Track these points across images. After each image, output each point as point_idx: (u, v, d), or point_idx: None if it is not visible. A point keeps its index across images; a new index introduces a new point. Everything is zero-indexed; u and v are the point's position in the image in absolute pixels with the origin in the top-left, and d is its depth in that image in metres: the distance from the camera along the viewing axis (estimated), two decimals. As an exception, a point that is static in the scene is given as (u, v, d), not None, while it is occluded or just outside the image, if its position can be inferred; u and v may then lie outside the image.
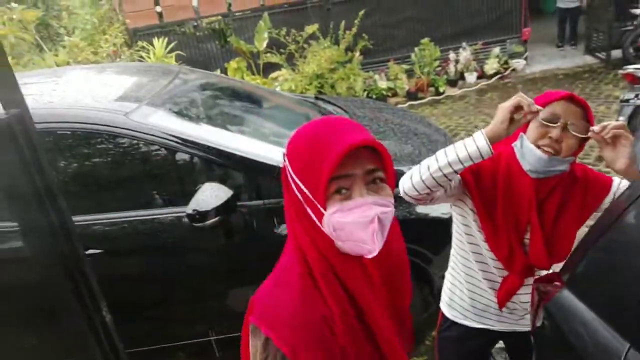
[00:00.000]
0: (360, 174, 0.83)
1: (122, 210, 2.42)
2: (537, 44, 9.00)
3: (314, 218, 0.86)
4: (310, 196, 0.85)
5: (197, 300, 2.55)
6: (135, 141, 2.39)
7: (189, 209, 2.21)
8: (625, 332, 0.90)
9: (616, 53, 7.41)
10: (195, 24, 7.66)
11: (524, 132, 1.39)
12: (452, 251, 1.73)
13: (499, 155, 1.47)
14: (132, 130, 2.36)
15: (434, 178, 1.32)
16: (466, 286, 1.64)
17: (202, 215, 2.20)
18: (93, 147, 2.44)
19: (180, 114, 2.69)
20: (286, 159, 0.89)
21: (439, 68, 7.82)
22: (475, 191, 1.47)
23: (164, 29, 7.50)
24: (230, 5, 7.61)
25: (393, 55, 7.94)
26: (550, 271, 1.45)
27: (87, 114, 2.37)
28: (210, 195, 2.25)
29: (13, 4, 6.42)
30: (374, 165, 0.84)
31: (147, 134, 2.36)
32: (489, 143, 1.26)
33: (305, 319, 0.84)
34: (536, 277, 1.49)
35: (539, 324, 1.28)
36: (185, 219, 2.25)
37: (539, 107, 1.27)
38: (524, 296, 1.52)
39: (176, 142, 2.38)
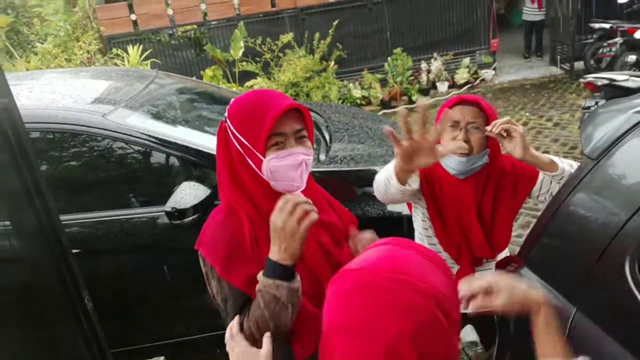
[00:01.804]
0: (291, 132, 1.10)
1: (99, 210, 2.44)
2: (505, 55, 9.33)
3: (253, 166, 1.10)
4: (252, 147, 1.08)
5: (175, 299, 2.57)
6: (113, 141, 2.43)
7: (168, 206, 2.25)
8: (573, 298, 1.00)
9: (579, 64, 7.75)
10: (171, 32, 7.68)
11: (439, 141, 1.47)
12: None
13: (429, 170, 1.63)
14: (110, 130, 2.39)
15: (393, 193, 1.44)
16: None
17: (180, 213, 2.25)
18: (70, 147, 2.46)
19: (157, 115, 2.73)
20: (228, 120, 1.12)
21: (412, 77, 8.02)
22: (427, 195, 1.63)
23: (139, 37, 7.49)
24: (206, 14, 7.66)
25: (367, 65, 8.11)
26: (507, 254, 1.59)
27: (64, 115, 2.40)
28: (189, 193, 2.30)
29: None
30: (300, 126, 1.12)
31: (125, 134, 2.40)
32: (398, 185, 1.36)
33: (222, 236, 1.13)
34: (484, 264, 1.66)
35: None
36: (163, 218, 2.29)
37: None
38: None
39: (154, 142, 2.42)
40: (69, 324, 1.37)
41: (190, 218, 2.27)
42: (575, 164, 1.48)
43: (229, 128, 1.12)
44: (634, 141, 1.04)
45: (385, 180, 1.44)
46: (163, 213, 2.29)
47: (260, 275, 1.06)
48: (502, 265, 1.37)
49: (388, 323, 0.65)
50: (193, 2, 7.58)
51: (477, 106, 1.49)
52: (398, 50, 7.92)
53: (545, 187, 1.59)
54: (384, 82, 7.96)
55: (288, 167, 1.10)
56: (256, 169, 1.11)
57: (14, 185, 1.18)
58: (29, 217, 1.20)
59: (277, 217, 1.02)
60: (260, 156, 1.09)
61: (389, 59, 7.97)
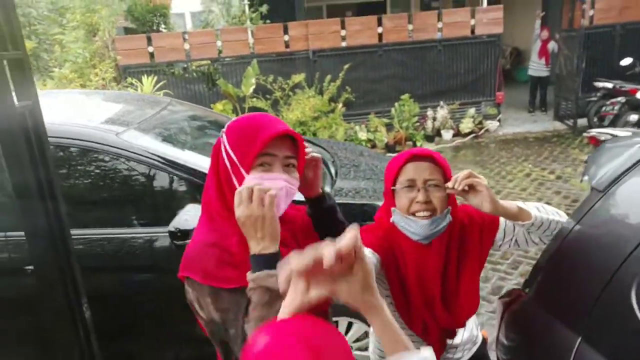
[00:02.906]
0: (281, 157, 1.10)
1: (101, 227, 2.46)
2: (510, 108, 9.51)
3: (235, 182, 1.09)
4: (238, 163, 1.08)
5: (169, 322, 2.54)
6: (125, 160, 2.47)
7: (171, 226, 2.26)
8: (577, 328, 1.00)
9: (582, 121, 7.88)
10: (185, 65, 7.89)
11: (394, 205, 1.37)
12: None
13: (387, 239, 1.44)
14: (122, 149, 2.44)
15: None
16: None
17: (183, 234, 2.25)
18: (81, 163, 2.51)
19: (168, 139, 2.78)
20: (225, 135, 1.13)
21: (417, 124, 8.16)
22: (390, 269, 1.44)
23: (154, 68, 7.70)
24: (221, 51, 7.90)
25: (374, 109, 8.27)
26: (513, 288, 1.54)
27: (78, 130, 2.45)
28: (193, 215, 2.31)
29: None
30: (291, 153, 1.12)
31: (136, 153, 2.45)
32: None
33: (205, 249, 1.10)
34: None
35: (501, 336, 1.36)
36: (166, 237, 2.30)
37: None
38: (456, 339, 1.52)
39: (164, 163, 2.46)
40: (66, 329, 1.36)
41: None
42: (547, 206, 1.38)
43: (223, 143, 1.12)
44: None
45: None
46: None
47: (249, 275, 1.04)
48: (505, 297, 1.36)
49: None
50: (209, 39, 7.83)
51: (431, 161, 1.34)
52: (405, 96, 8.10)
53: (509, 234, 1.45)
54: (390, 127, 8.09)
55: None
56: (237, 186, 1.09)
57: (31, 185, 1.20)
58: (41, 216, 1.22)
59: (240, 211, 1.01)
60: (244, 173, 1.08)
61: (396, 104, 8.14)
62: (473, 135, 8.23)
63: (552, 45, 8.82)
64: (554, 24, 9.45)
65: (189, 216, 2.32)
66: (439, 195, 1.32)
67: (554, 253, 1.21)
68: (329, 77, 7.83)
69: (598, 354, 0.96)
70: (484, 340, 1.54)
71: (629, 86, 7.09)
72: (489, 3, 8.48)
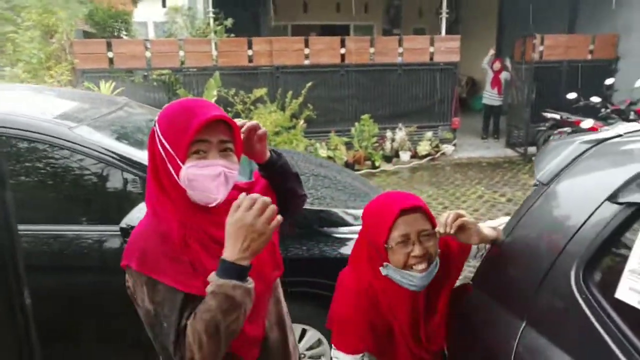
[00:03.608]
0: (215, 142, 1.08)
1: (50, 223, 2.35)
2: (465, 134, 9.87)
3: (172, 172, 1.07)
4: (173, 152, 1.05)
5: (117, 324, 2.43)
6: (77, 155, 2.38)
7: (123, 223, 2.18)
8: (522, 312, 1.04)
9: (532, 149, 8.28)
10: (146, 74, 7.76)
11: (387, 260, 1.35)
12: None
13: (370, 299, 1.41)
14: (75, 143, 2.35)
15: None
16: None
17: (135, 231, 2.19)
18: (30, 156, 2.40)
19: (123, 137, 2.71)
20: (157, 124, 1.10)
21: (376, 144, 8.31)
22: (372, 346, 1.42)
23: (113, 74, 7.53)
24: (183, 61, 7.83)
25: (334, 127, 8.38)
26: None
27: (28, 122, 2.35)
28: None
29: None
30: (226, 137, 1.10)
31: (89, 148, 2.37)
32: None
33: (149, 242, 1.09)
34: None
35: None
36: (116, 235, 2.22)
37: None
38: None
39: (117, 159, 2.39)
40: (4, 316, 1.29)
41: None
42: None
43: (157, 132, 1.10)
44: (581, 166, 1.13)
45: None
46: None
47: (213, 276, 1.02)
48: (456, 293, 1.39)
49: None
50: (172, 48, 7.75)
51: (421, 212, 1.33)
52: (365, 116, 8.26)
53: (481, 248, 1.50)
54: (349, 145, 8.20)
55: (205, 177, 1.07)
56: (175, 176, 1.08)
57: None
58: None
59: (247, 215, 0.98)
60: (180, 162, 1.06)
61: (356, 124, 8.28)
62: (430, 157, 8.46)
63: (504, 75, 9.29)
64: (506, 55, 9.97)
65: (142, 214, 2.26)
66: (432, 244, 1.33)
67: (501, 245, 1.26)
68: (290, 93, 7.89)
69: (541, 336, 1.00)
70: None
71: (574, 118, 7.53)
72: (447, 33, 8.84)
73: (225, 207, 1.07)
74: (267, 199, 1.02)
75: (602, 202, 0.98)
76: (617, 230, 0.96)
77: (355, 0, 9.38)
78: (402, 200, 1.34)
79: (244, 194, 1.05)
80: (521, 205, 1.26)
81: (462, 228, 1.32)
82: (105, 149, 2.39)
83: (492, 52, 9.66)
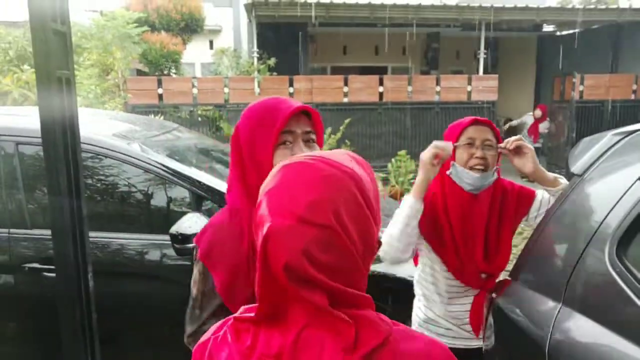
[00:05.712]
0: (300, 133, 1.13)
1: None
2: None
3: (257, 167, 1.10)
4: (262, 146, 1.10)
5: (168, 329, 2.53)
6: (134, 168, 2.59)
7: (173, 230, 2.32)
8: (559, 296, 1.07)
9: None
10: (192, 109, 8.17)
11: (453, 159, 1.63)
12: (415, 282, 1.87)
13: (434, 194, 1.68)
14: (131, 157, 2.55)
15: (408, 234, 1.55)
16: (424, 304, 1.80)
17: (184, 238, 2.31)
18: (95, 167, 2.63)
19: (173, 154, 2.91)
20: (240, 123, 1.16)
21: (413, 180, 8.30)
22: (439, 211, 1.67)
23: (161, 109, 7.97)
24: (227, 98, 8.21)
25: (372, 163, 8.33)
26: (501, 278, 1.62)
27: (95, 138, 2.58)
28: (195, 222, 2.38)
29: (26, 66, 6.83)
30: (310, 128, 1.15)
31: (144, 162, 2.56)
32: (417, 203, 1.53)
33: (219, 231, 1.14)
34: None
35: (487, 334, 1.42)
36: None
37: (451, 146, 1.59)
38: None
39: (169, 173, 2.57)
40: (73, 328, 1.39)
41: (191, 245, 2.33)
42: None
43: (241, 130, 1.15)
44: (614, 155, 1.18)
45: (405, 219, 1.55)
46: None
47: None
48: (496, 288, 1.43)
49: (308, 189, 0.67)
50: (217, 85, 8.17)
51: (489, 127, 1.63)
52: (402, 152, 8.33)
53: (544, 206, 1.69)
54: (386, 181, 8.26)
55: None
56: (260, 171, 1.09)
57: (62, 181, 1.29)
58: (65, 213, 1.29)
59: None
60: (269, 154, 1.10)
61: (392, 160, 8.36)
62: (467, 195, 8.38)
63: (545, 125, 8.92)
64: (544, 99, 9.93)
65: (191, 223, 2.40)
66: (492, 154, 1.61)
67: (538, 237, 1.30)
68: (329, 129, 8.10)
69: (577, 312, 1.02)
70: None
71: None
72: (485, 72, 8.96)
73: None
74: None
75: (634, 182, 1.03)
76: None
77: (393, 43, 9.68)
78: (479, 117, 1.66)
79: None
80: (556, 199, 1.31)
81: (519, 151, 1.60)
82: (159, 163, 2.58)
83: (538, 113, 9.39)
